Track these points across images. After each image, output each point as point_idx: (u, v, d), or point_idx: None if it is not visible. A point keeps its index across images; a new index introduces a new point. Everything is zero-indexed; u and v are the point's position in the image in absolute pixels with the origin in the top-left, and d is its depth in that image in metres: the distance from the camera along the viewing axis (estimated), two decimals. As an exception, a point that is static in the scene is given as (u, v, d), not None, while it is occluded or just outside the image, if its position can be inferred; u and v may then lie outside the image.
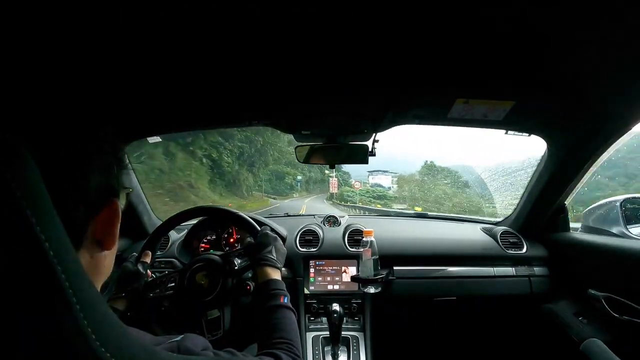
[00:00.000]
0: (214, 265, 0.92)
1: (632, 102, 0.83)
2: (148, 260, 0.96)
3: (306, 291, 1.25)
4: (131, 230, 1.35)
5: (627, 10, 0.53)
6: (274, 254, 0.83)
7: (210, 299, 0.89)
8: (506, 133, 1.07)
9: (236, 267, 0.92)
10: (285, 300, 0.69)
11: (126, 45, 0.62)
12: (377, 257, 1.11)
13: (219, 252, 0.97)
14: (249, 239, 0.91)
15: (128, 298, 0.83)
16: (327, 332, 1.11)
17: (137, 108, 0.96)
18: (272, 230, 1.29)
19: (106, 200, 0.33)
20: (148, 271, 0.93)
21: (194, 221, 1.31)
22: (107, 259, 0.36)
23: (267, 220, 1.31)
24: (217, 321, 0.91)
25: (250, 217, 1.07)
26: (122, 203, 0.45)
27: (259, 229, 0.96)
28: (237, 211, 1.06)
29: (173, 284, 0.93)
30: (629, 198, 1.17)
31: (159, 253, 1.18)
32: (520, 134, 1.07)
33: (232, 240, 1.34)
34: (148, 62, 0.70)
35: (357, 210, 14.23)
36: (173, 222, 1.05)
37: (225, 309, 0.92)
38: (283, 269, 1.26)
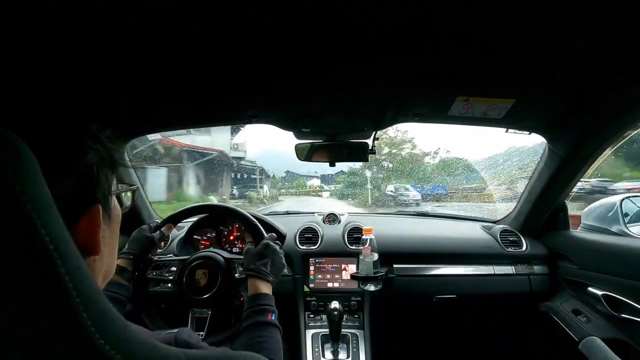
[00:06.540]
0: (216, 266, 0.92)
1: (632, 101, 0.82)
2: (168, 232, 0.99)
3: (306, 289, 1.25)
4: (131, 228, 1.35)
5: (625, 8, 0.53)
6: (268, 267, 0.80)
7: (203, 298, 0.90)
8: (506, 131, 1.07)
9: (236, 276, 0.92)
10: (273, 318, 0.68)
11: (124, 42, 0.62)
12: (377, 255, 1.11)
13: (224, 254, 0.97)
14: (249, 244, 0.91)
15: (135, 261, 0.86)
16: (327, 330, 1.11)
17: (137, 106, 0.96)
18: (277, 233, 1.30)
19: (83, 206, 0.31)
20: (162, 243, 0.97)
21: (194, 218, 1.31)
22: (99, 263, 0.35)
23: (267, 219, 1.31)
24: (203, 321, 0.91)
25: (253, 216, 1.07)
26: (128, 200, 0.45)
27: (265, 235, 0.93)
28: (245, 212, 1.06)
29: (172, 277, 0.93)
30: (629, 197, 1.18)
31: (159, 251, 1.18)
32: (521, 132, 1.07)
33: (232, 237, 1.35)
34: (147, 59, 0.69)
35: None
36: (194, 211, 1.09)
37: (215, 312, 0.92)
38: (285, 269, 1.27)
